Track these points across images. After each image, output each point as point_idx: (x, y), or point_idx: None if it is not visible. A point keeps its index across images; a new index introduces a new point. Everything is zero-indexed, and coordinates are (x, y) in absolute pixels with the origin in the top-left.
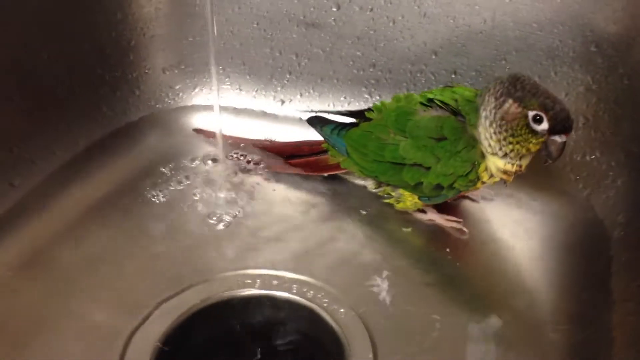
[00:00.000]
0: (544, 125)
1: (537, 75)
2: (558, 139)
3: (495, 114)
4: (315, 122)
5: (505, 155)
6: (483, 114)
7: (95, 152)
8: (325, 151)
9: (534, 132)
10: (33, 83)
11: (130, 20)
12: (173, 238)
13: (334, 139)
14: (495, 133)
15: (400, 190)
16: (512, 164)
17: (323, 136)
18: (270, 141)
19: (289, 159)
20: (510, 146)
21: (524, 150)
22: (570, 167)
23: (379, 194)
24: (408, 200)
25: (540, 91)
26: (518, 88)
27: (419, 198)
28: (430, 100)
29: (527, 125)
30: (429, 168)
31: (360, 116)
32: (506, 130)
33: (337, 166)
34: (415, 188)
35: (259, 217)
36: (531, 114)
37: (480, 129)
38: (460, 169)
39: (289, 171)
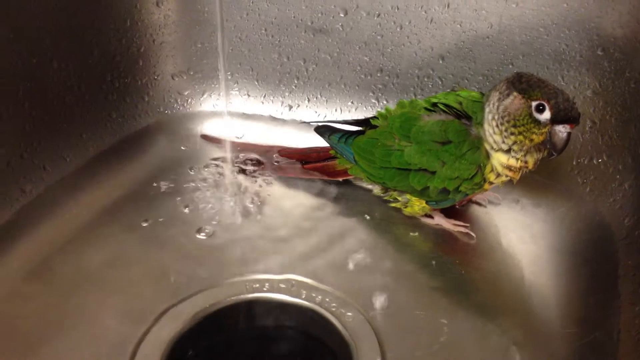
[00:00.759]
0: (547, 114)
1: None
2: (562, 129)
3: (498, 106)
4: (323, 130)
5: (509, 149)
6: (487, 109)
7: (105, 157)
8: (333, 157)
9: (537, 122)
10: (43, 90)
11: (139, 27)
12: (181, 243)
13: (341, 147)
14: (497, 125)
15: (408, 196)
16: (517, 159)
17: (331, 144)
18: (278, 148)
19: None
20: (513, 137)
21: (527, 142)
22: (577, 170)
23: (386, 198)
24: (416, 205)
25: (545, 84)
26: (523, 82)
27: (427, 202)
28: (434, 104)
29: (530, 115)
30: (434, 172)
31: (366, 124)
32: (508, 121)
33: (345, 172)
34: (422, 193)
35: (267, 222)
36: (534, 103)
37: (485, 126)
38: (466, 172)
39: (299, 176)
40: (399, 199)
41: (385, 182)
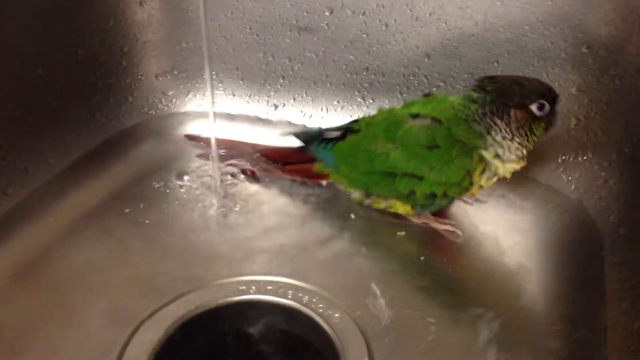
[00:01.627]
0: (547, 108)
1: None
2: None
3: (511, 129)
4: (303, 136)
5: (522, 156)
6: (498, 137)
7: (89, 159)
8: (315, 159)
9: (539, 119)
10: (26, 91)
11: (122, 26)
12: (167, 245)
13: (321, 153)
14: (520, 143)
15: (392, 201)
16: (525, 159)
17: (311, 150)
18: (262, 147)
19: (283, 165)
20: (529, 144)
21: (535, 141)
22: (563, 167)
23: (367, 204)
24: (400, 209)
25: (518, 83)
26: (506, 95)
27: (412, 207)
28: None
29: (534, 117)
30: (421, 177)
31: (345, 130)
32: (525, 134)
33: (324, 175)
34: (408, 197)
35: (253, 223)
36: (533, 107)
37: (498, 150)
38: (454, 176)
39: (280, 177)
40: (383, 204)
41: (370, 188)
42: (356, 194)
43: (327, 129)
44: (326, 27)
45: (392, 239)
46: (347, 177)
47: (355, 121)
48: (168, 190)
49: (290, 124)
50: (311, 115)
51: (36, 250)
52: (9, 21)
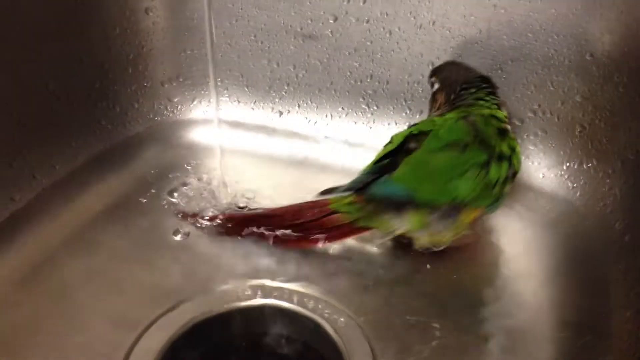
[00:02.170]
0: None
1: (533, 84)
2: None
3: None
4: (355, 185)
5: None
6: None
7: (95, 165)
8: (332, 213)
9: None
10: (32, 98)
11: (128, 34)
12: (172, 251)
13: (385, 189)
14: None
15: (464, 215)
16: None
17: (374, 196)
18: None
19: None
20: None
21: None
22: (567, 175)
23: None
24: (467, 218)
25: (460, 70)
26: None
27: (486, 207)
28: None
29: None
30: (509, 157)
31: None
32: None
33: (355, 229)
34: (493, 188)
35: None
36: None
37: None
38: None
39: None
40: (466, 219)
41: (459, 194)
42: (423, 238)
43: (369, 169)
44: (330, 34)
45: (398, 245)
46: (430, 196)
47: (402, 145)
48: (173, 197)
49: (293, 133)
50: (316, 122)
51: (42, 254)
52: (14, 30)
